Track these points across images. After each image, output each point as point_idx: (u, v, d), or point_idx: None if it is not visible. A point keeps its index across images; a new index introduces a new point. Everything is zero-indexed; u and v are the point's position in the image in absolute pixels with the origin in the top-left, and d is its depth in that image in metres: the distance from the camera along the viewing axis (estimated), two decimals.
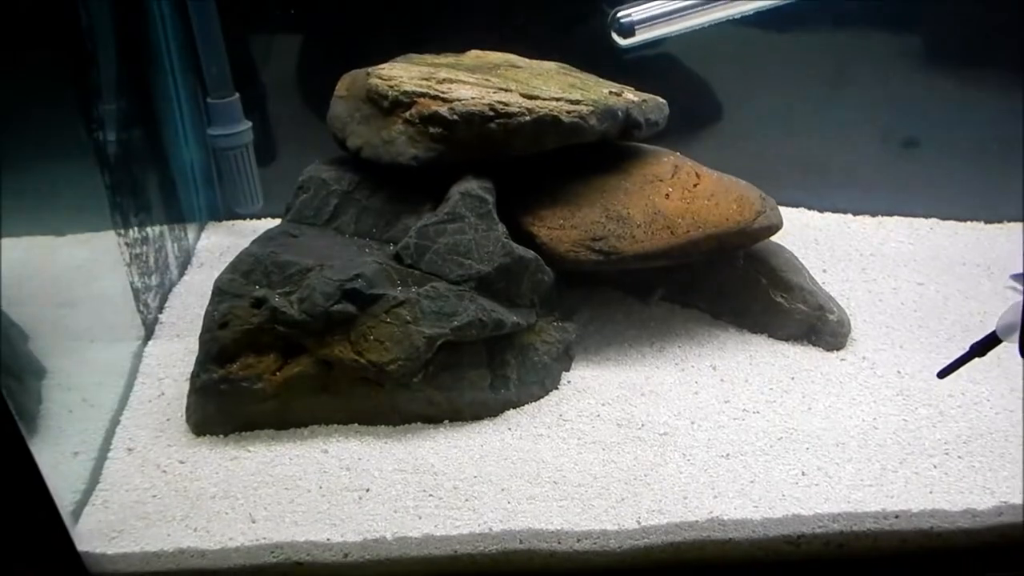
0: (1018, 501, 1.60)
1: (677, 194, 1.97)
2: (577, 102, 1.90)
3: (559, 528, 1.56)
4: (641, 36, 2.19)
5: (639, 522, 1.57)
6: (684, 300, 2.19)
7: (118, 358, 1.97)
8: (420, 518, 1.58)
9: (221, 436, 1.78)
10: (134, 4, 2.27)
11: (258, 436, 1.78)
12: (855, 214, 2.69)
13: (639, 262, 1.92)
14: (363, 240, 1.97)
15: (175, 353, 2.03)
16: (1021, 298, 1.36)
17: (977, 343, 1.49)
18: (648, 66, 2.44)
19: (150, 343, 2.09)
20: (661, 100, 2.10)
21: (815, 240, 2.54)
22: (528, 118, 1.84)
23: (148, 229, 2.18)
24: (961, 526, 1.59)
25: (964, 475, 1.67)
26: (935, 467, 1.69)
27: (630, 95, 2.03)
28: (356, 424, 1.81)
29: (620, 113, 1.96)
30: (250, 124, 2.50)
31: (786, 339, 2.08)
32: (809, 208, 2.71)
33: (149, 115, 2.35)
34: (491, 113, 1.84)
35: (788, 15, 2.25)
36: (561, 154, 1.94)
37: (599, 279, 2.20)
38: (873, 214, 2.69)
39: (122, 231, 2.03)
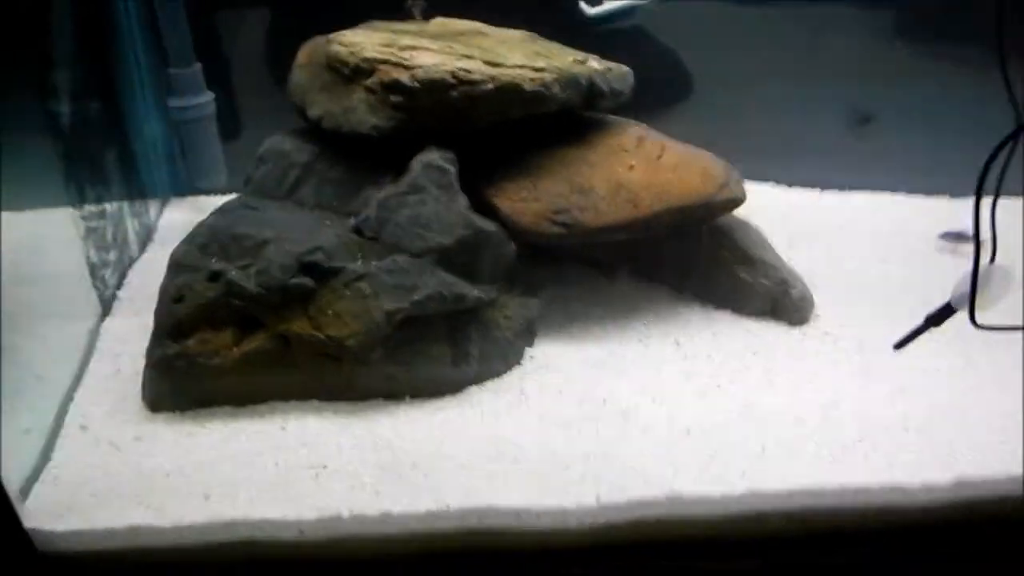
0: (976, 475, 1.60)
1: (641, 166, 1.95)
2: (541, 70, 1.86)
3: (519, 506, 1.55)
4: (608, 4, 2.16)
5: (599, 500, 1.56)
6: (650, 276, 2.17)
7: (73, 335, 1.93)
8: (378, 495, 1.56)
9: (178, 413, 1.75)
10: None
11: (215, 413, 1.75)
12: (823, 189, 2.68)
13: (602, 235, 1.90)
14: (324, 212, 1.93)
15: (133, 330, 1.98)
16: (970, 267, 1.35)
17: (932, 314, 1.49)
18: (619, 40, 2.41)
19: (107, 319, 2.05)
20: (626, 69, 2.07)
21: (782, 215, 2.51)
22: (491, 86, 1.81)
23: (106, 204, 2.14)
24: (920, 501, 1.59)
25: (923, 450, 1.67)
26: (895, 442, 1.68)
27: (594, 63, 2.00)
28: (315, 400, 1.78)
29: (583, 81, 1.93)
30: (212, 96, 2.45)
31: (751, 315, 2.06)
32: (777, 183, 2.68)
33: (108, 85, 2.29)
34: (453, 80, 1.80)
35: None
36: (525, 125, 1.91)
37: (564, 255, 2.18)
38: (841, 189, 2.67)
39: (78, 205, 1.98)
